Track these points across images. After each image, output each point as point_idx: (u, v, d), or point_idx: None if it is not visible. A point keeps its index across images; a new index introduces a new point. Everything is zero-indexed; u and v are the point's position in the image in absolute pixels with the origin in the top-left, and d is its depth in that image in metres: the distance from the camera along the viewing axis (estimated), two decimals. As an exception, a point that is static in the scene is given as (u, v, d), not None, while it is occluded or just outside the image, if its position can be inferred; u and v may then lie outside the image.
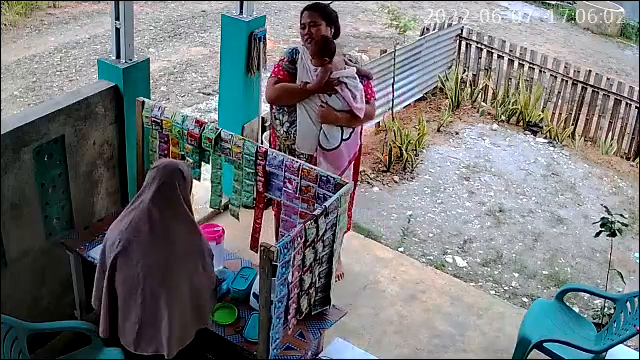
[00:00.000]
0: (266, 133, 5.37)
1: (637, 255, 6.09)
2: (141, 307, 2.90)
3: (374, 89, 4.31)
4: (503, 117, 8.50)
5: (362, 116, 4.04)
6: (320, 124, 4.03)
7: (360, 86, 4.06)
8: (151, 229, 2.89)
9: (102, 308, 3.03)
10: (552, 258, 5.98)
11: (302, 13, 4.08)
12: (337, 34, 4.16)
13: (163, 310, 2.90)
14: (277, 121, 4.16)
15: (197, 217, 4.91)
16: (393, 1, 12.41)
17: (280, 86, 4.07)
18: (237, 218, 3.75)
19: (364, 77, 4.16)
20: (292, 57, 4.11)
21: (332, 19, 4.09)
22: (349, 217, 4.52)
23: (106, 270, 2.97)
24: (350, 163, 4.22)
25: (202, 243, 3.06)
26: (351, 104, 3.98)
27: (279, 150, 4.14)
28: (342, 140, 4.08)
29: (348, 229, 4.61)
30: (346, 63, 4.08)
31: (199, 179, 3.83)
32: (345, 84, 3.99)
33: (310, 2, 4.15)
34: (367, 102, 4.12)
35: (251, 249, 3.83)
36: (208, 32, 10.78)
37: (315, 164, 3.92)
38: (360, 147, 4.35)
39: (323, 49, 3.96)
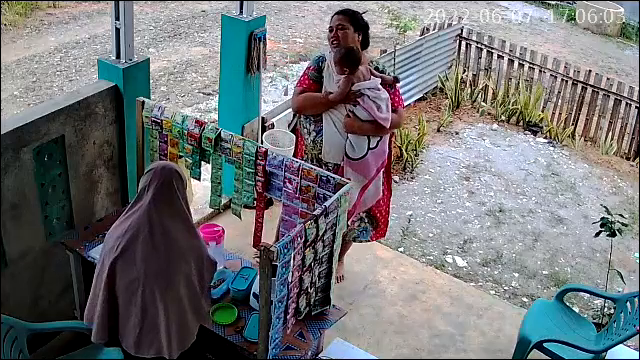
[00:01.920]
0: (266, 133, 5.36)
1: (637, 255, 6.10)
2: (141, 310, 2.90)
3: (401, 96, 4.21)
4: (503, 117, 8.50)
5: (388, 125, 3.97)
6: (346, 134, 4.00)
7: (384, 96, 3.98)
8: (151, 231, 2.88)
9: (98, 313, 3.00)
10: (552, 258, 5.98)
11: (332, 17, 4.06)
12: (366, 43, 4.14)
13: (161, 312, 2.90)
14: (305, 130, 4.13)
15: (197, 217, 4.95)
16: (393, 1, 12.42)
17: (304, 96, 4.04)
18: (239, 217, 3.76)
19: (390, 85, 4.09)
20: (318, 65, 4.08)
21: (361, 26, 4.06)
22: (385, 225, 4.50)
23: (104, 275, 2.96)
24: (379, 172, 4.15)
25: (201, 245, 3.06)
26: (375, 115, 3.92)
27: (306, 158, 4.15)
28: (369, 149, 4.02)
29: (383, 235, 4.61)
30: (372, 73, 4.02)
31: (199, 179, 3.83)
32: (368, 96, 3.93)
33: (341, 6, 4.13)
34: (394, 110, 4.05)
35: (254, 247, 3.84)
36: (208, 32, 10.79)
37: (342, 174, 3.89)
38: (390, 155, 4.30)
39: (346, 58, 3.92)
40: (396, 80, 4.17)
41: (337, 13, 4.07)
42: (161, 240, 2.89)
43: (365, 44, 4.14)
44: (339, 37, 3.99)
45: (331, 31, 4.03)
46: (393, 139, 4.40)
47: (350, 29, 4.01)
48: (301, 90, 4.08)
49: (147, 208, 2.88)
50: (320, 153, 4.08)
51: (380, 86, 3.99)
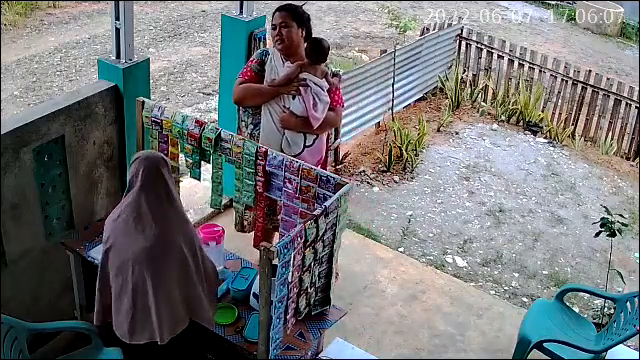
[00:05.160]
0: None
1: (637, 255, 6.10)
2: (132, 294, 2.96)
3: (341, 94, 4.21)
4: (503, 117, 8.50)
5: (316, 126, 3.94)
6: (283, 129, 3.99)
7: (325, 99, 3.97)
8: (139, 216, 2.95)
9: (97, 298, 3.10)
10: (552, 258, 5.98)
11: (274, 14, 4.02)
12: (309, 36, 4.10)
13: (151, 295, 2.95)
14: (242, 122, 4.13)
15: (197, 217, 4.96)
16: (393, 1, 12.42)
17: (245, 86, 4.02)
18: (241, 216, 3.77)
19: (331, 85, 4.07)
20: (261, 58, 4.06)
21: (303, 20, 4.01)
22: None
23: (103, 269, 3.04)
24: None
25: (191, 229, 3.13)
26: (309, 109, 3.90)
27: None
28: (305, 147, 4.01)
29: None
30: (326, 77, 3.99)
31: (199, 179, 3.83)
32: (310, 88, 3.92)
33: (284, 2, 4.08)
34: (332, 109, 4.04)
35: (254, 247, 3.84)
36: (208, 32, 10.78)
37: None
38: (326, 154, 4.27)
39: (313, 48, 3.93)
40: (336, 75, 4.11)
41: (278, 10, 4.01)
42: (151, 223, 2.95)
43: (308, 37, 4.09)
44: (283, 35, 3.96)
45: (274, 29, 3.99)
46: (330, 139, 4.35)
47: (293, 26, 3.96)
48: (242, 81, 4.04)
49: (137, 194, 2.96)
50: None
51: (326, 91, 3.97)
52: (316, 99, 3.93)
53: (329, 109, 4.01)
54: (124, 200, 3.02)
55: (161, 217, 2.97)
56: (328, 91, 4.01)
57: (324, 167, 4.29)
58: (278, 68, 3.99)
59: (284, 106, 3.97)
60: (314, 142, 4.05)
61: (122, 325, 3.01)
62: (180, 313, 3.06)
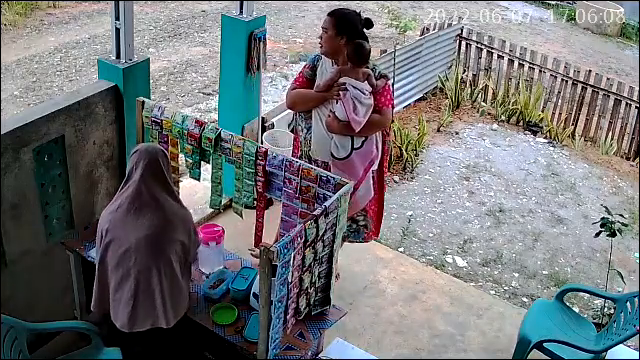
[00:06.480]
0: (266, 133, 5.38)
1: (637, 255, 6.10)
2: (134, 283, 2.98)
3: (391, 95, 4.14)
4: (503, 117, 8.50)
5: (357, 129, 3.91)
6: (331, 133, 4.01)
7: (367, 102, 3.94)
8: (141, 204, 3.01)
9: (95, 289, 3.14)
10: (552, 258, 5.98)
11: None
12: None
13: (155, 281, 2.98)
14: (299, 127, 4.18)
15: (197, 217, 4.95)
16: (393, 1, 12.42)
17: (295, 92, 4.10)
18: (241, 216, 3.77)
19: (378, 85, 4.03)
20: (313, 64, 4.11)
21: (345, 29, 3.97)
22: (377, 224, 4.48)
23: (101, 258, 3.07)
24: (366, 172, 4.11)
25: (189, 215, 3.21)
26: (349, 113, 3.90)
27: (300, 155, 4.19)
28: (353, 149, 4.01)
29: (374, 236, 4.56)
30: (368, 80, 3.95)
31: (199, 179, 3.83)
32: (349, 92, 3.90)
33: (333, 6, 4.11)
34: (378, 111, 4.00)
35: (255, 247, 3.85)
36: (208, 32, 10.78)
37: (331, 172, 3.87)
38: (383, 154, 4.23)
39: (353, 52, 3.91)
40: (383, 77, 4.08)
41: (328, 14, 4.05)
42: (152, 211, 3.01)
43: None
44: (322, 39, 4.00)
45: (322, 32, 4.05)
46: (388, 139, 4.35)
47: (331, 32, 3.96)
48: (294, 87, 4.13)
49: (137, 184, 3.02)
50: (310, 150, 4.11)
51: (367, 92, 3.95)
52: (356, 102, 3.92)
53: (375, 111, 3.99)
54: (122, 191, 3.07)
55: (161, 205, 3.04)
56: (374, 93, 3.99)
57: (381, 169, 4.28)
58: (328, 71, 4.03)
59: (331, 110, 3.99)
60: (362, 144, 4.04)
61: (122, 315, 3.03)
62: (184, 295, 3.14)
